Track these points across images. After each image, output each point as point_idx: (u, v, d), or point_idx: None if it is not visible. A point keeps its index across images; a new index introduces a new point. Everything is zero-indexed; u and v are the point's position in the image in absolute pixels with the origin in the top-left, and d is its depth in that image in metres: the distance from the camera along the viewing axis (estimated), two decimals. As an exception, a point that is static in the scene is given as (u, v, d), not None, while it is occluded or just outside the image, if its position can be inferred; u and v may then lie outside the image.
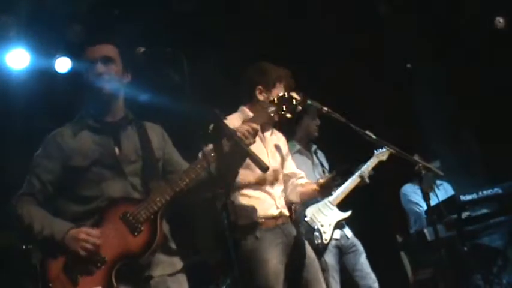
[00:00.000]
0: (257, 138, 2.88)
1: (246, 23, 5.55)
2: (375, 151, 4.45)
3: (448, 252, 4.34)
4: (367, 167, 4.37)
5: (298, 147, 4.42)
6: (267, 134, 3.46)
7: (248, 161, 2.63)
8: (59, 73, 5.18)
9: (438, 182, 5.22)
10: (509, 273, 4.56)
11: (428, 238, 4.54)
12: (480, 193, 4.42)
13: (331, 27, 5.79)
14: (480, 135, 6.11)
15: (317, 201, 4.16)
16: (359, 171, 4.24)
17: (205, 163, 2.54)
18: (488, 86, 5.91)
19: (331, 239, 4.17)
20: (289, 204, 3.51)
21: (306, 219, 4.11)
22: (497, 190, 4.46)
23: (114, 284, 2.42)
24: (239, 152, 2.58)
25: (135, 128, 2.75)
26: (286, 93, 2.89)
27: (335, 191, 4.21)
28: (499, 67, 5.80)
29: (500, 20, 5.90)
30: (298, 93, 2.94)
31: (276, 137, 3.53)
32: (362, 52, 5.93)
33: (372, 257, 4.37)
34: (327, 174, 4.28)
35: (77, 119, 2.74)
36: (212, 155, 2.54)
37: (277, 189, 3.40)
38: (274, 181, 3.37)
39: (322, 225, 4.16)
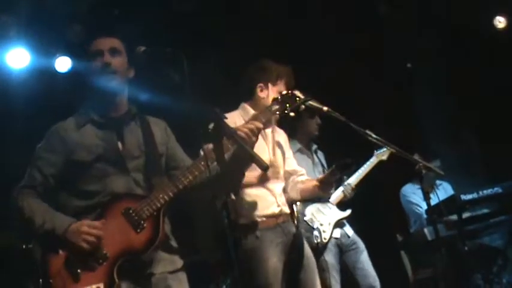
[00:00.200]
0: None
1: (246, 23, 5.55)
2: (375, 151, 4.46)
3: (448, 252, 4.34)
4: (365, 168, 4.39)
5: (298, 146, 4.42)
6: (268, 130, 3.46)
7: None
8: (59, 72, 5.18)
9: (438, 182, 5.22)
10: (509, 272, 4.57)
11: (429, 237, 4.54)
12: (480, 192, 4.43)
13: (331, 27, 5.79)
14: (480, 135, 6.12)
15: (318, 200, 4.16)
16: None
17: (206, 162, 2.52)
18: (488, 86, 5.91)
19: (330, 238, 4.17)
20: (290, 202, 3.52)
21: (305, 218, 4.11)
22: (497, 189, 4.46)
23: (116, 280, 2.41)
24: (243, 154, 2.58)
25: (138, 123, 2.73)
26: (289, 92, 2.89)
27: (335, 189, 4.22)
28: (499, 67, 5.81)
29: (500, 20, 5.91)
30: (300, 92, 2.95)
31: (277, 134, 3.54)
32: (362, 52, 5.93)
33: (372, 256, 4.37)
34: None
35: (80, 112, 2.72)
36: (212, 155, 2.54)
37: (278, 186, 3.40)
38: (275, 177, 3.37)
39: (321, 224, 4.16)
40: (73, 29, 5.07)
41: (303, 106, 2.95)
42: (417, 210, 5.15)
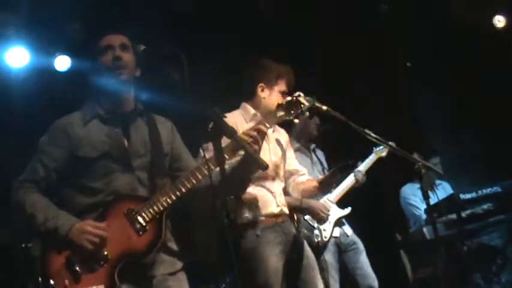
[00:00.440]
0: None
1: (246, 23, 5.55)
2: (374, 148, 4.47)
3: (448, 251, 4.34)
4: (365, 165, 4.39)
5: (297, 145, 4.43)
6: (269, 130, 3.47)
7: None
8: (58, 71, 5.17)
9: (437, 181, 5.22)
10: (509, 271, 4.57)
11: (428, 237, 4.55)
12: (480, 191, 4.44)
13: (331, 27, 5.79)
14: (480, 135, 6.12)
15: (317, 200, 4.16)
16: (354, 172, 4.25)
17: (209, 170, 2.46)
18: (488, 86, 5.91)
19: (331, 236, 4.17)
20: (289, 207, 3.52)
21: (305, 217, 4.12)
22: (496, 189, 4.47)
23: (117, 282, 2.40)
24: (249, 161, 2.60)
25: (144, 121, 2.71)
26: (294, 97, 2.91)
27: (335, 189, 4.22)
28: (499, 67, 5.81)
29: (499, 19, 5.91)
30: (302, 93, 2.97)
31: (278, 133, 3.55)
32: (362, 52, 5.93)
33: (371, 255, 4.38)
34: (326, 172, 4.29)
35: (87, 107, 2.68)
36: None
37: (278, 186, 3.41)
38: (275, 176, 3.38)
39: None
40: (73, 27, 5.06)
41: (307, 113, 2.99)
42: (416, 212, 5.15)
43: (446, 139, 6.04)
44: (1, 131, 4.89)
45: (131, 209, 2.49)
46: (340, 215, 4.29)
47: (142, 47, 2.50)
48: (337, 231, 4.27)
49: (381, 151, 4.47)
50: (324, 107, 3.30)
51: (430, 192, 3.54)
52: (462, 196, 4.41)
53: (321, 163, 4.55)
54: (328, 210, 3.82)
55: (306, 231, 4.00)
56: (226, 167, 2.52)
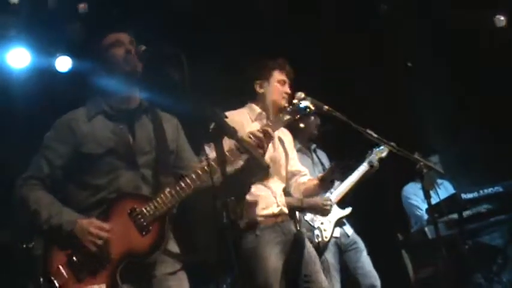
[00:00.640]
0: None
1: (246, 23, 5.55)
2: (374, 148, 4.46)
3: (449, 251, 4.34)
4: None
5: (298, 145, 4.43)
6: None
7: None
8: (59, 72, 5.18)
9: (439, 180, 5.22)
10: (510, 271, 4.56)
11: (429, 236, 4.54)
12: (481, 191, 4.44)
13: (331, 27, 5.79)
14: (480, 135, 6.11)
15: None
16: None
17: (210, 172, 2.44)
18: (488, 86, 5.91)
19: (331, 237, 4.17)
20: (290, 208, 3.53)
21: (306, 217, 4.12)
22: (498, 188, 4.47)
23: (119, 283, 2.39)
24: (253, 164, 2.61)
25: (150, 117, 2.69)
26: (299, 101, 2.92)
27: (335, 189, 4.22)
28: (499, 67, 5.81)
29: (500, 18, 5.91)
30: (304, 93, 3.00)
31: (282, 133, 3.56)
32: (362, 52, 5.93)
33: (372, 255, 4.38)
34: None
35: (92, 102, 2.67)
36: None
37: (279, 186, 3.42)
38: (276, 176, 3.39)
39: (322, 223, 4.16)
40: (73, 28, 5.07)
41: (312, 118, 3.02)
42: (418, 213, 5.15)
43: (446, 139, 6.04)
44: (2, 132, 4.90)
45: (135, 208, 2.47)
46: (340, 215, 4.29)
47: (144, 47, 2.51)
48: (337, 232, 4.27)
49: (381, 151, 4.47)
50: (325, 107, 3.31)
51: (431, 192, 3.53)
52: (464, 195, 4.42)
53: (322, 163, 4.55)
54: (330, 201, 3.81)
55: (306, 232, 4.00)
56: (229, 169, 2.52)
